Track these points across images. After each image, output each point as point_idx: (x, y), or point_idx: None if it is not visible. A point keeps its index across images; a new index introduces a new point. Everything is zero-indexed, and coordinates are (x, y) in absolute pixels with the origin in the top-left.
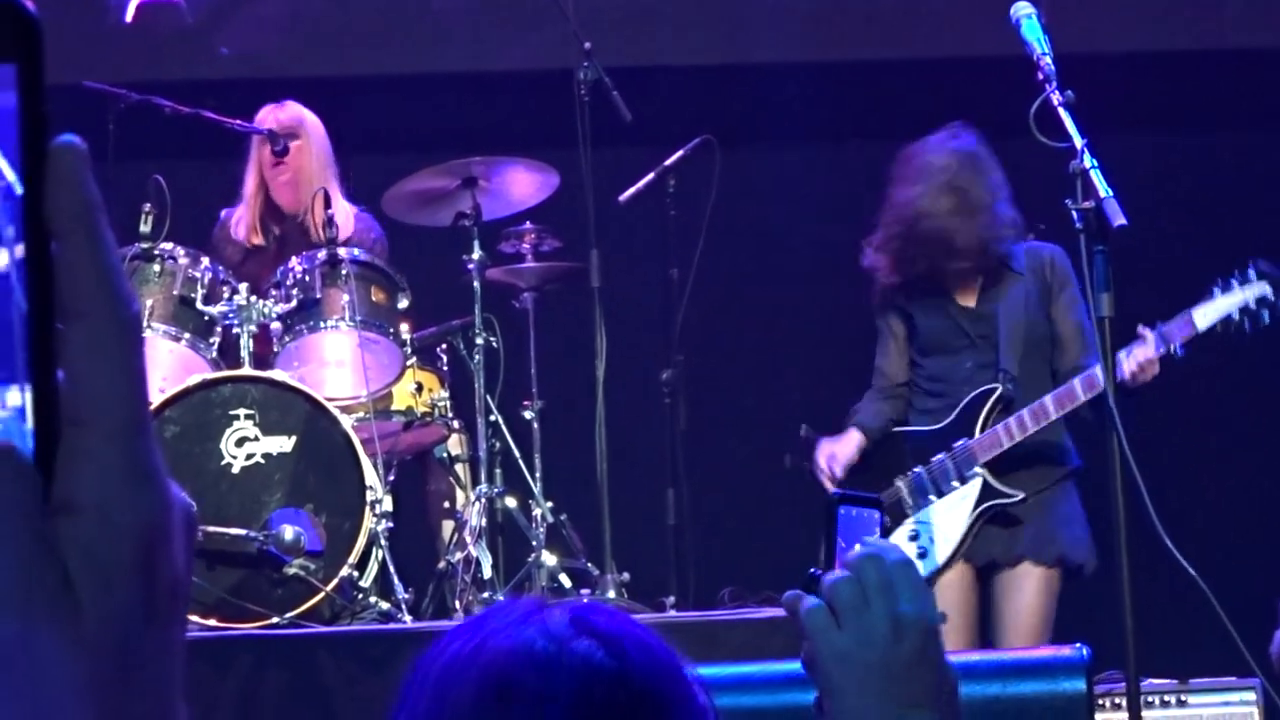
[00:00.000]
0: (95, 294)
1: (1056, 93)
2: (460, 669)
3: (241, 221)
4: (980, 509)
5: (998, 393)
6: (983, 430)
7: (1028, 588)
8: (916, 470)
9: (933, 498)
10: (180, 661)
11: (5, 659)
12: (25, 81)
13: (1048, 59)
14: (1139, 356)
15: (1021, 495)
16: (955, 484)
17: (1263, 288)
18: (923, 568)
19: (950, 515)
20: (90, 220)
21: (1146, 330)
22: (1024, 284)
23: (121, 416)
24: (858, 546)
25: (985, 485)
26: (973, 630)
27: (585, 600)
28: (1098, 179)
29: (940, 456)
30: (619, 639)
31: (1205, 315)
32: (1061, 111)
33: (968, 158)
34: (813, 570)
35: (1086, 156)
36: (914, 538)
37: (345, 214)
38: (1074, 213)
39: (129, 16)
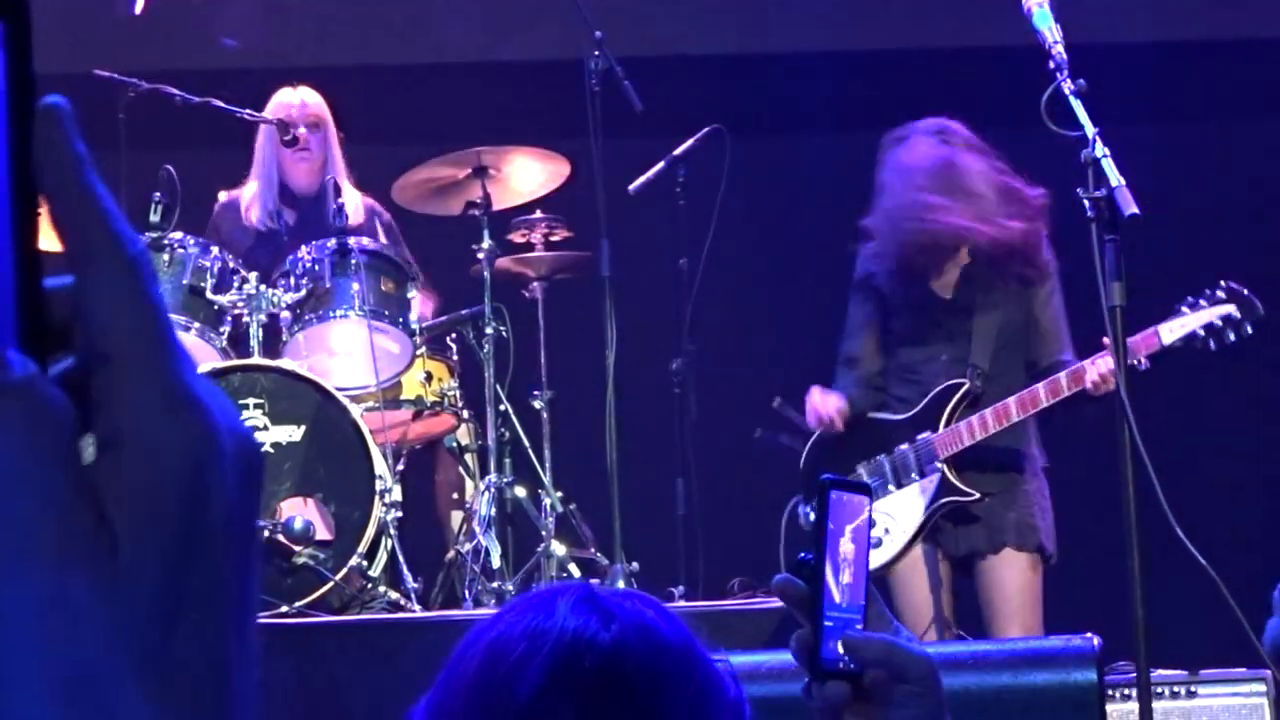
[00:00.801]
0: (98, 239)
1: (1068, 82)
2: (466, 646)
3: (256, 203)
4: (937, 504)
5: (964, 388)
6: (947, 425)
7: (1014, 571)
8: (879, 457)
9: (891, 487)
10: (242, 603)
11: (40, 613)
12: (12, 41)
13: (1059, 48)
14: (1101, 368)
15: (978, 495)
16: (914, 476)
17: (1228, 308)
18: (875, 558)
19: (907, 507)
20: (82, 172)
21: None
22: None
23: (149, 345)
24: (847, 530)
25: (944, 481)
26: (943, 619)
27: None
28: (1109, 168)
29: (904, 447)
30: (619, 614)
31: (1171, 331)
32: (1073, 100)
33: (968, 157)
34: (803, 555)
35: (1098, 145)
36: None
37: (355, 202)
38: (1085, 202)
39: (138, 8)
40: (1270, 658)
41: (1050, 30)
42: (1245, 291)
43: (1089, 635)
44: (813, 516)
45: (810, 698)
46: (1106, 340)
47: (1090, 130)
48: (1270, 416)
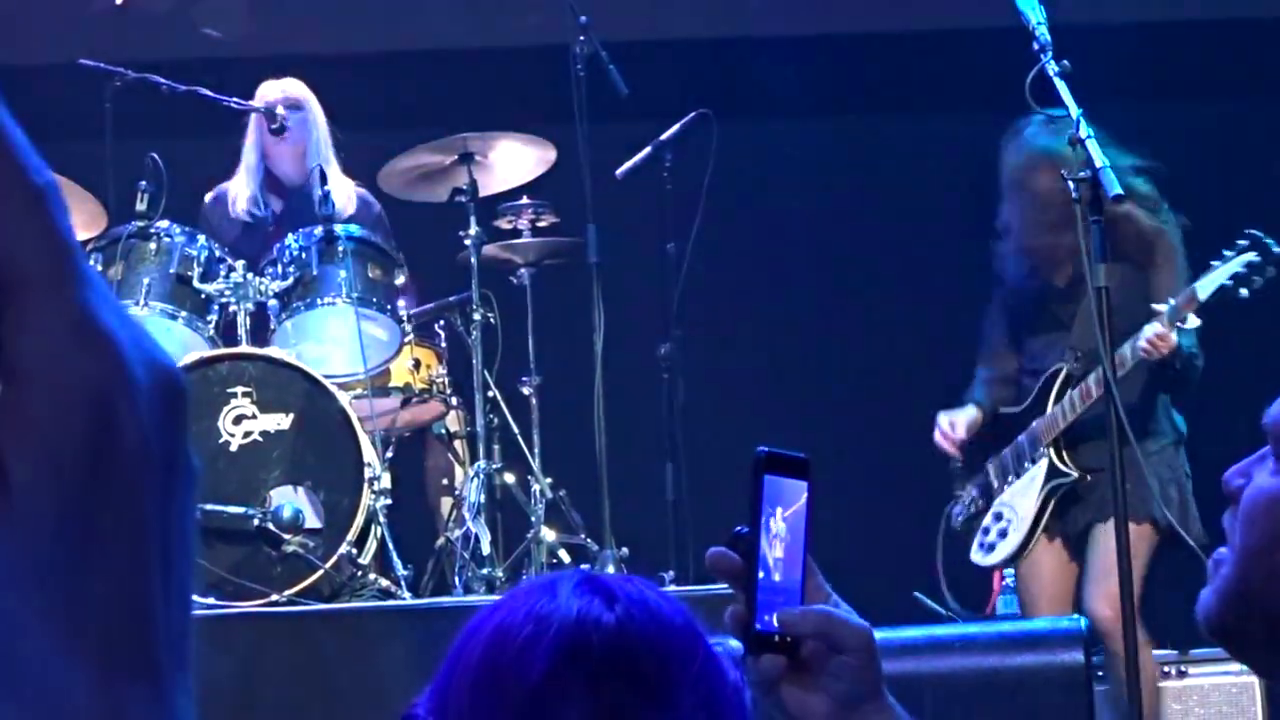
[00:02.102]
0: (3, 169)
1: (1052, 63)
2: (468, 635)
3: (240, 196)
4: (1047, 488)
5: (1063, 372)
6: (1051, 409)
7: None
8: (1003, 452)
9: (1011, 479)
10: (166, 540)
11: None
12: None
13: (1043, 29)
14: (1148, 333)
15: (1076, 474)
16: (1028, 464)
17: (1249, 255)
18: (1003, 550)
19: (1025, 497)
20: None
21: (1159, 305)
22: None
23: (53, 270)
24: (779, 512)
25: (1050, 464)
26: (1070, 597)
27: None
28: (1094, 149)
29: (1020, 437)
30: (622, 595)
31: (1205, 287)
32: (1057, 82)
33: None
34: (737, 528)
35: (1083, 126)
36: (997, 518)
37: (345, 191)
38: (1070, 183)
39: None
40: (1204, 629)
41: (1034, 12)
42: (1260, 235)
43: (1076, 616)
44: (803, 497)
45: (745, 670)
46: (1158, 307)
47: (1075, 111)
48: (1260, 396)
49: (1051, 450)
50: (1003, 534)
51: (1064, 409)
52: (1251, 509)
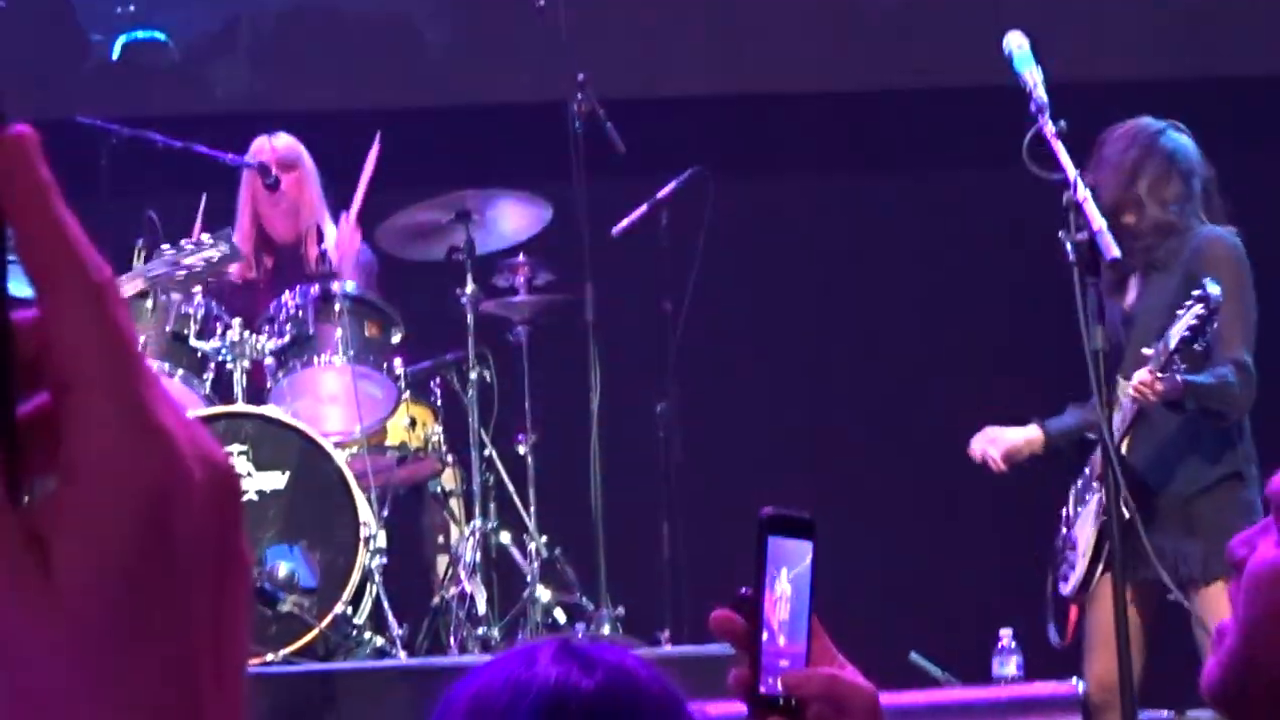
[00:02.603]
0: (64, 264)
1: (1049, 124)
2: (447, 703)
3: None
4: (1100, 521)
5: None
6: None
7: (1224, 603)
8: (1076, 481)
9: (1079, 509)
10: (218, 637)
11: None
12: None
13: (1040, 90)
14: (1135, 378)
15: (1122, 513)
16: (1088, 497)
17: (1195, 309)
18: (1072, 581)
19: (1085, 527)
20: (45, 198)
21: (1145, 351)
22: (1171, 279)
23: (111, 370)
24: (784, 573)
25: (1099, 499)
26: (1135, 637)
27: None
28: (1092, 210)
29: (1087, 467)
30: (599, 662)
31: (1174, 335)
32: (1055, 143)
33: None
34: (741, 590)
35: (1080, 188)
36: (1072, 548)
37: (339, 241)
38: (1067, 245)
39: (115, 54)
40: (1208, 700)
41: (1031, 73)
42: (1204, 286)
43: (1074, 680)
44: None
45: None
46: (1146, 351)
47: (1072, 173)
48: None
49: (1099, 484)
50: (1071, 565)
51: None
52: (1255, 581)
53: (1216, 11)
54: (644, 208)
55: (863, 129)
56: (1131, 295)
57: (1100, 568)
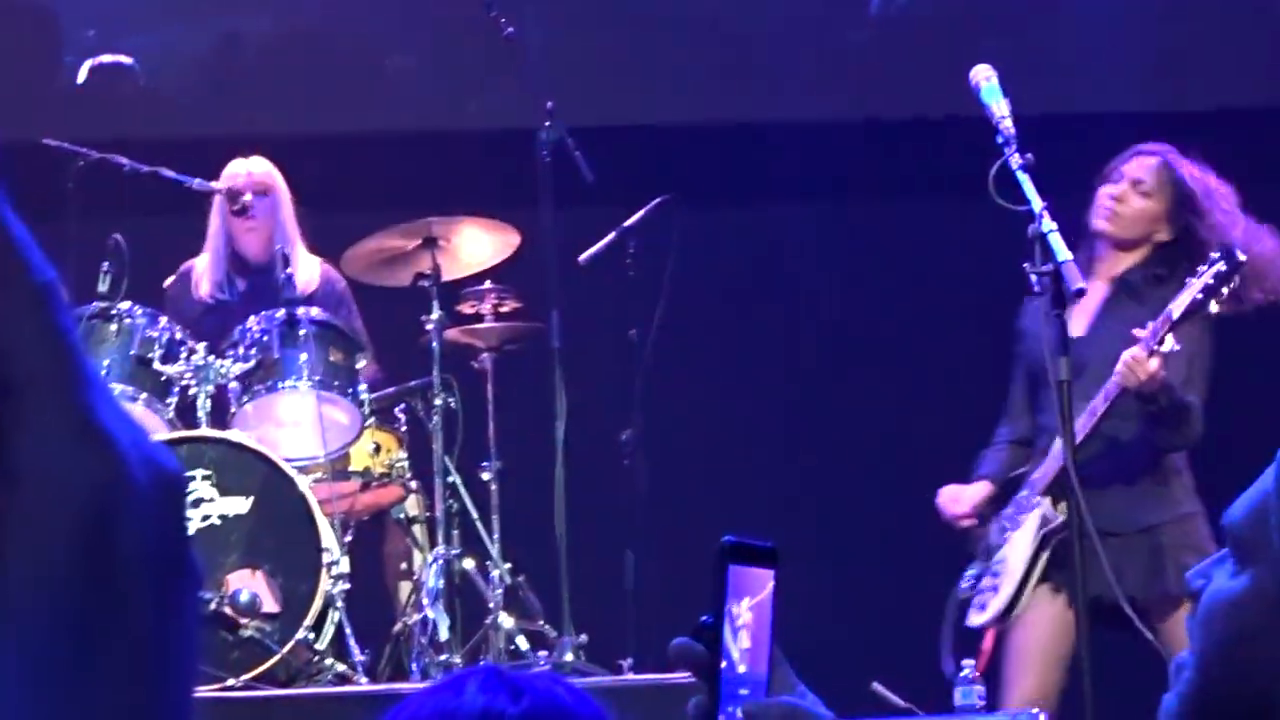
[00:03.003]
0: (5, 264)
1: (1016, 156)
2: None
3: (206, 277)
4: (1039, 536)
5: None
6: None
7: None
8: (1001, 511)
9: (1009, 533)
10: (164, 636)
11: None
12: None
13: (1007, 122)
14: (1125, 355)
15: (1063, 518)
16: (1022, 517)
17: (1219, 266)
18: (993, 607)
19: (1016, 548)
20: None
21: (1136, 331)
22: (1142, 309)
23: (56, 373)
24: (744, 601)
25: (1041, 513)
26: (1066, 656)
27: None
28: (1056, 243)
29: (1020, 495)
30: (527, 689)
31: (1178, 305)
32: (1020, 175)
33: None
34: (702, 618)
35: (1045, 220)
36: (993, 576)
37: (309, 269)
38: (1032, 276)
39: (81, 78)
40: None
41: (997, 105)
42: (1231, 245)
43: (1035, 711)
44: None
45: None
46: (1137, 332)
47: (1038, 205)
48: (1227, 491)
49: (1048, 499)
50: (994, 589)
51: (1053, 456)
52: (1209, 612)
53: (1185, 46)
54: (611, 236)
55: (832, 159)
56: (1081, 318)
57: (1032, 585)
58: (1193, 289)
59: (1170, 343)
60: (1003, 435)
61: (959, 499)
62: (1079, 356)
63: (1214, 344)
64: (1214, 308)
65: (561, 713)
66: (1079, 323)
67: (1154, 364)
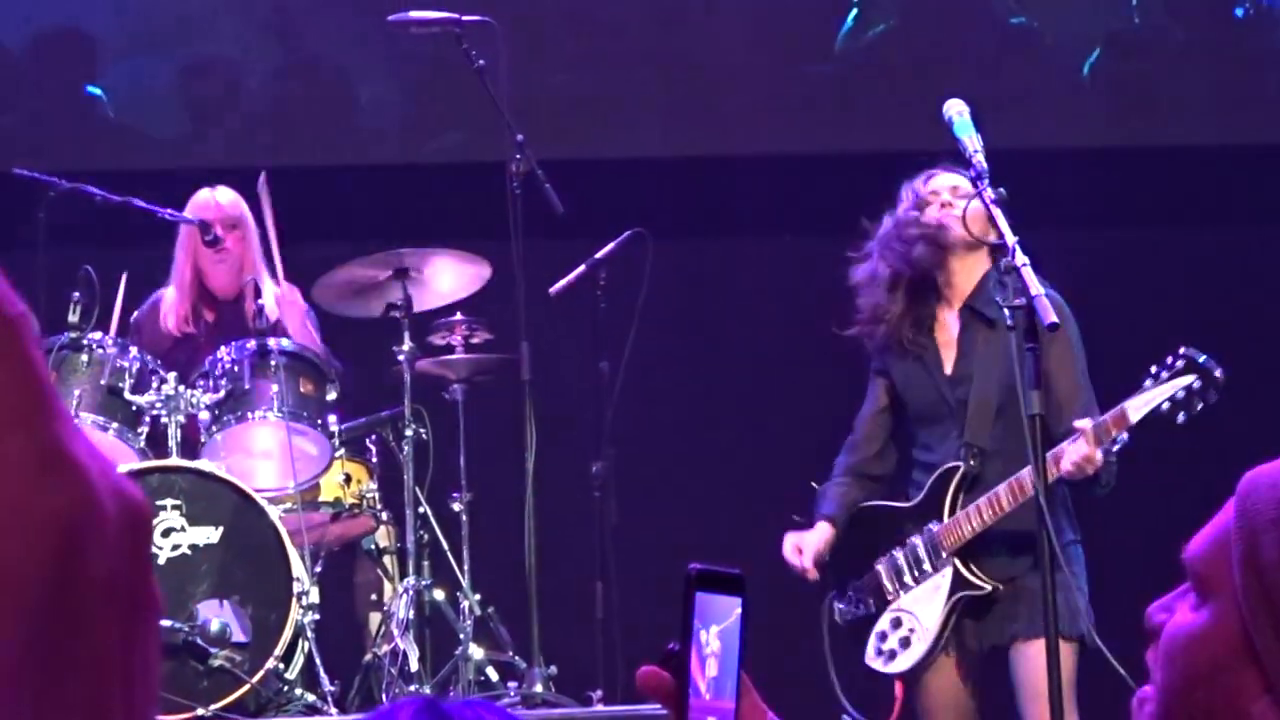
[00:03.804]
0: None
1: (989, 190)
2: None
3: (172, 311)
4: (953, 599)
5: (960, 472)
6: (950, 513)
7: (1041, 660)
8: (893, 552)
9: (910, 582)
10: (128, 669)
11: None
12: None
13: (980, 157)
14: (1074, 455)
15: (991, 587)
16: (929, 570)
17: (1188, 378)
18: (904, 660)
19: (928, 605)
20: None
21: (1084, 423)
22: (1006, 340)
23: (23, 402)
24: (712, 629)
25: (956, 574)
26: (970, 717)
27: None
28: (1029, 277)
29: (914, 539)
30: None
31: (1137, 409)
32: (994, 209)
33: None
34: (670, 645)
35: (1018, 254)
36: (896, 625)
37: (275, 296)
38: (1005, 310)
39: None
40: None
41: (970, 139)
42: (1202, 359)
43: None
44: (736, 613)
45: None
46: (1078, 423)
47: (1010, 239)
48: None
49: (957, 560)
50: (905, 643)
51: (970, 517)
52: (1171, 646)
53: (1149, 83)
54: (582, 268)
55: (802, 192)
56: (948, 354)
57: (943, 646)
58: (1156, 394)
59: (1122, 436)
60: (845, 465)
61: (802, 549)
62: (958, 395)
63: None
64: (1181, 418)
65: None
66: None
67: (1100, 457)
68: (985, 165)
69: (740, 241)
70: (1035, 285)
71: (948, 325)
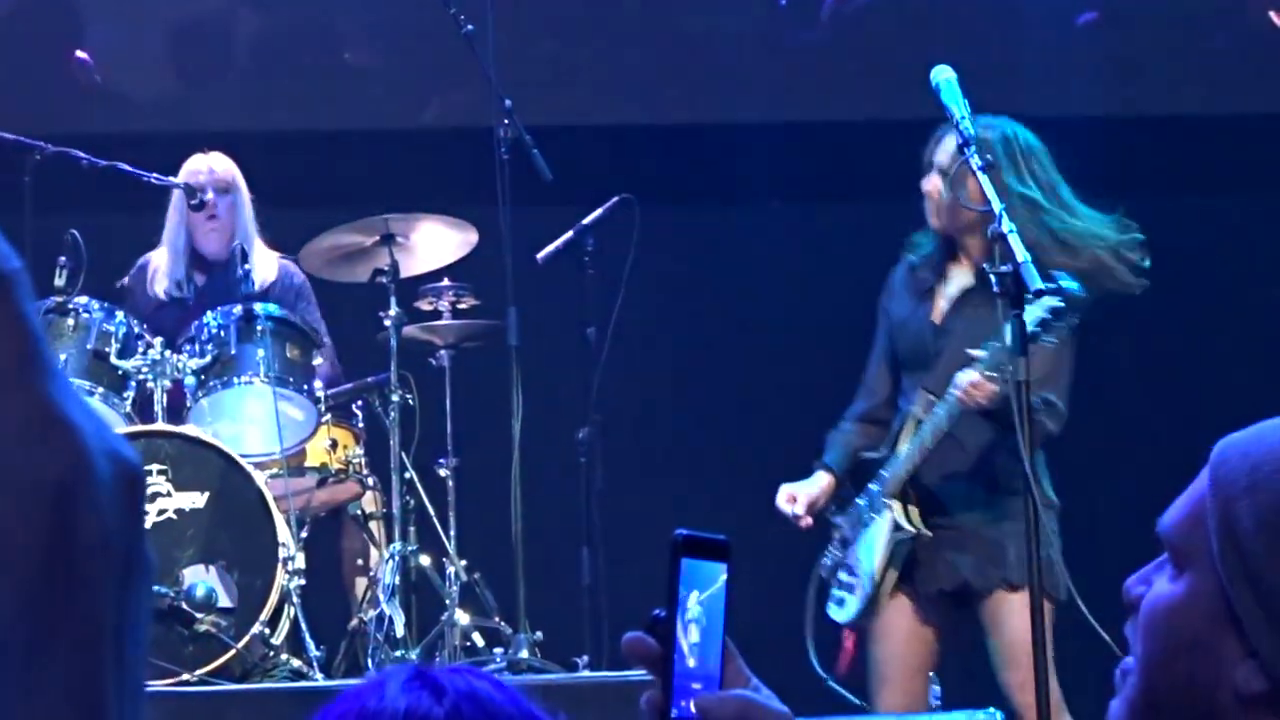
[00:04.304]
0: None
1: (975, 157)
2: None
3: (160, 273)
4: (889, 544)
5: (911, 417)
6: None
7: (1015, 613)
8: (856, 500)
9: (861, 530)
10: (121, 633)
11: None
12: None
13: (967, 123)
14: (961, 380)
15: (914, 531)
16: (873, 516)
17: (1053, 300)
18: (850, 608)
19: (867, 551)
20: None
21: (978, 352)
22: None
23: (17, 360)
24: (695, 595)
25: (892, 519)
26: (926, 663)
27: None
28: (1016, 244)
29: (872, 486)
30: (450, 689)
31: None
32: (980, 175)
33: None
34: (655, 612)
35: (1004, 221)
36: (847, 573)
37: (268, 265)
38: (991, 277)
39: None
40: None
41: (958, 106)
42: (1058, 279)
43: (991, 709)
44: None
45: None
46: (974, 353)
47: (997, 206)
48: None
49: (897, 503)
50: (850, 589)
51: (905, 459)
52: (1151, 618)
53: (1139, 52)
54: (569, 234)
55: (789, 160)
56: (943, 305)
57: (886, 593)
58: (1026, 317)
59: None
60: (854, 411)
61: (795, 497)
62: (939, 346)
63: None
64: (1047, 340)
65: (485, 708)
66: (939, 310)
67: (991, 387)
68: (972, 132)
69: (727, 209)
70: (1021, 251)
71: (957, 278)
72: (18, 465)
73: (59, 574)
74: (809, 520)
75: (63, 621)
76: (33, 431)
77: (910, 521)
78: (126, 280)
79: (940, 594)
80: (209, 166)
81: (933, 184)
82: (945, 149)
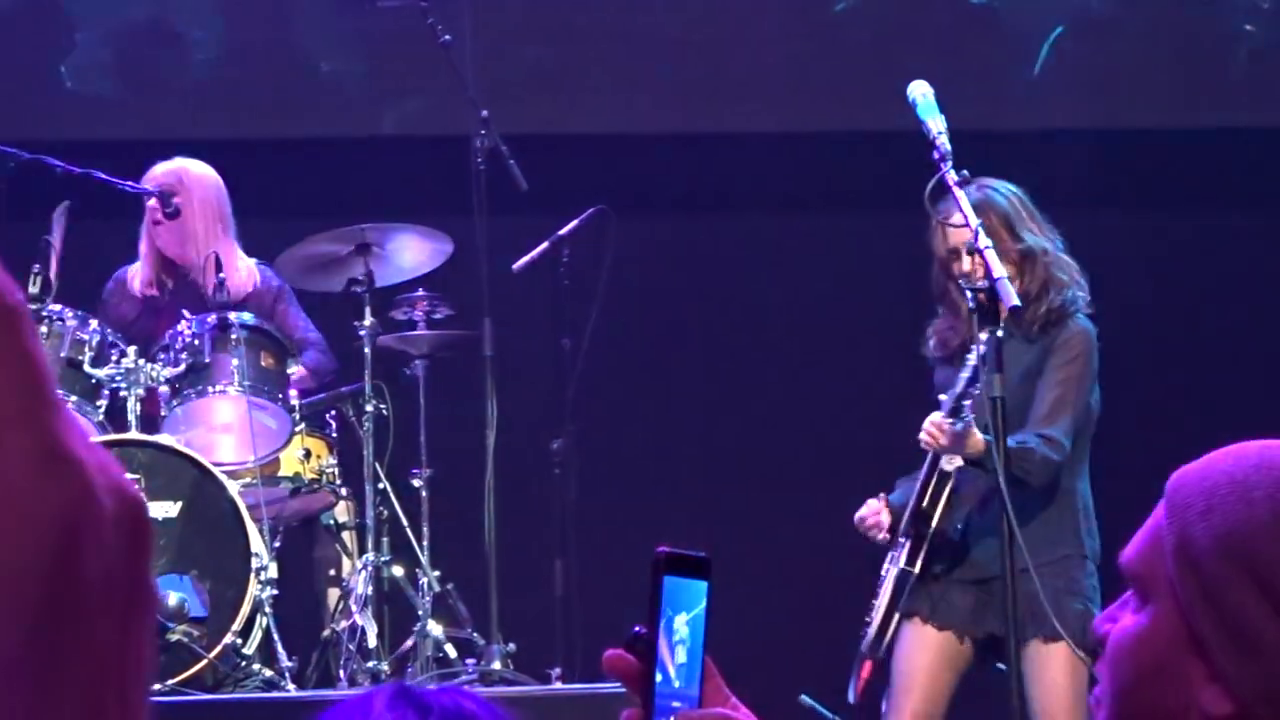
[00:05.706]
0: None
1: (951, 172)
2: None
3: (138, 276)
4: (896, 576)
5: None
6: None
7: (1051, 666)
8: (898, 538)
9: (888, 566)
10: (124, 666)
11: None
12: None
13: (944, 138)
14: (926, 423)
15: (907, 568)
16: (892, 553)
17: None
18: (868, 638)
19: (886, 583)
20: None
21: (943, 397)
22: (1027, 353)
23: (21, 395)
24: (684, 616)
25: (905, 553)
26: (935, 703)
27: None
28: (992, 259)
29: (904, 522)
30: (434, 706)
31: (961, 378)
32: (956, 191)
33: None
34: (635, 629)
35: (981, 237)
36: (872, 605)
37: (245, 270)
38: (967, 293)
39: None
40: None
41: (934, 120)
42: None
43: None
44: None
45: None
46: (943, 398)
47: (974, 222)
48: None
49: (908, 544)
50: (868, 622)
51: (916, 494)
52: (1117, 650)
53: (1119, 65)
54: (545, 245)
55: (765, 171)
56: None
57: (895, 622)
58: (967, 370)
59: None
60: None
61: (881, 522)
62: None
63: (1090, 369)
64: (975, 391)
65: None
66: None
67: (951, 431)
68: (948, 147)
69: (703, 219)
70: (998, 268)
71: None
72: (23, 500)
73: (63, 610)
74: (885, 535)
75: (67, 657)
76: (38, 467)
77: (914, 556)
78: (104, 291)
79: (971, 641)
80: (156, 171)
81: (971, 265)
82: (955, 233)
